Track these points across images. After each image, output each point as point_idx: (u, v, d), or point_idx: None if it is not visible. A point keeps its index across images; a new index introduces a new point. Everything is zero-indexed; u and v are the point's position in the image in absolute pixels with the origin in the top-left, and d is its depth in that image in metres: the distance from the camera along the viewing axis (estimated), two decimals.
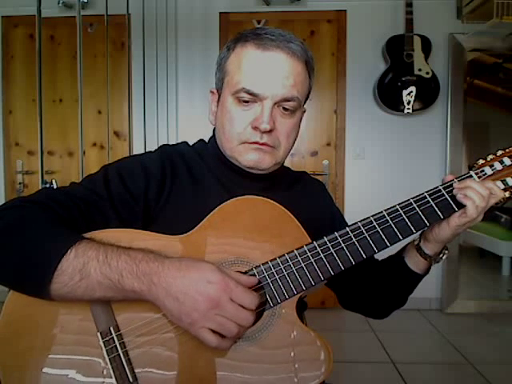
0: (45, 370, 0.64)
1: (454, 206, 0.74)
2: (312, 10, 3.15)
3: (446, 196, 0.74)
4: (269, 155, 0.79)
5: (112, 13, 2.37)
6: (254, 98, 0.76)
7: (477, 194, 0.72)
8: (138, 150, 2.90)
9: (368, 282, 0.91)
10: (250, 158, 0.79)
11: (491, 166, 0.76)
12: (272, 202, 0.73)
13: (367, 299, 0.94)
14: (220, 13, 3.16)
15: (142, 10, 2.83)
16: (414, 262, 0.83)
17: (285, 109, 0.78)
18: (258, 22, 3.13)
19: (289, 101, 0.77)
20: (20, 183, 3.27)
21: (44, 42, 2.34)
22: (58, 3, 3.04)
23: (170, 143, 0.90)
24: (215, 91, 0.85)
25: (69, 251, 0.61)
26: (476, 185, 0.73)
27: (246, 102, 0.77)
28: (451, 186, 0.75)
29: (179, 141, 0.90)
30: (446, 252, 0.83)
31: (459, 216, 0.74)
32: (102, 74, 2.69)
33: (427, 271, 0.85)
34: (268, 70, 0.76)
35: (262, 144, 0.78)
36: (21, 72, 3.24)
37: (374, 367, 2.31)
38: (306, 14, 3.16)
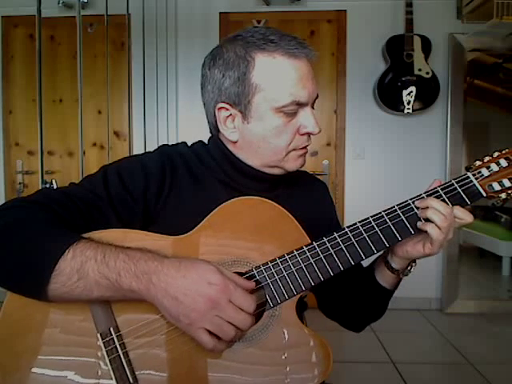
0: (44, 370, 0.64)
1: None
2: (312, 10, 3.15)
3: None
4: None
5: (112, 13, 2.37)
6: (298, 107, 0.78)
7: (437, 214, 0.70)
8: (138, 150, 2.90)
9: (346, 291, 0.90)
10: (298, 163, 0.82)
11: (488, 167, 0.76)
12: (271, 202, 0.73)
13: (343, 309, 0.93)
14: (220, 13, 3.16)
15: (142, 10, 2.83)
16: (382, 276, 0.83)
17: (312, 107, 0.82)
18: (258, 22, 3.13)
19: (315, 99, 0.81)
20: (20, 183, 3.27)
21: (44, 42, 2.35)
22: (58, 3, 3.04)
23: (170, 143, 0.89)
24: (227, 107, 0.79)
25: (66, 251, 0.61)
26: (437, 204, 0.71)
27: (293, 113, 0.77)
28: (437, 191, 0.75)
29: (179, 141, 0.90)
30: (414, 265, 0.82)
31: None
32: (102, 74, 2.70)
33: (396, 286, 0.85)
34: (304, 76, 0.77)
35: (307, 147, 0.82)
36: (21, 72, 3.24)
37: (373, 367, 2.31)
38: (306, 14, 3.16)
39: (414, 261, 0.81)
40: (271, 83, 0.76)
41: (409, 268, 0.81)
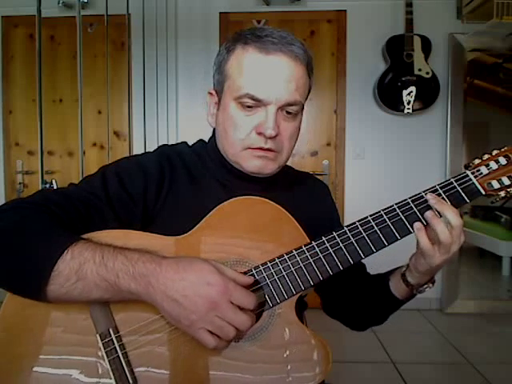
0: (44, 372, 0.64)
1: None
2: (312, 10, 3.15)
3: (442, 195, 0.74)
4: (272, 161, 0.79)
5: (112, 13, 2.38)
6: (258, 103, 0.75)
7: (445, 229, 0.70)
8: (138, 150, 2.90)
9: (354, 294, 0.90)
10: (253, 164, 0.78)
11: (487, 165, 0.76)
12: (270, 202, 0.73)
13: (349, 310, 0.93)
14: (220, 13, 3.16)
15: (142, 10, 2.83)
16: (397, 288, 0.82)
17: (288, 112, 0.78)
18: (258, 22, 3.13)
19: (292, 105, 0.77)
20: (20, 183, 3.27)
21: (44, 42, 2.34)
22: (58, 3, 3.04)
23: (170, 143, 0.89)
24: (214, 93, 0.84)
25: (65, 252, 0.61)
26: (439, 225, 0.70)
27: (250, 107, 0.76)
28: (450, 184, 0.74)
29: (179, 141, 0.90)
30: (431, 285, 0.82)
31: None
32: (102, 73, 2.70)
33: (409, 298, 0.84)
34: (271, 74, 0.75)
35: (266, 150, 0.77)
36: (21, 72, 3.24)
37: (373, 367, 2.31)
38: (306, 14, 3.16)
39: (432, 282, 0.81)
40: (236, 73, 0.77)
41: (425, 286, 0.81)
